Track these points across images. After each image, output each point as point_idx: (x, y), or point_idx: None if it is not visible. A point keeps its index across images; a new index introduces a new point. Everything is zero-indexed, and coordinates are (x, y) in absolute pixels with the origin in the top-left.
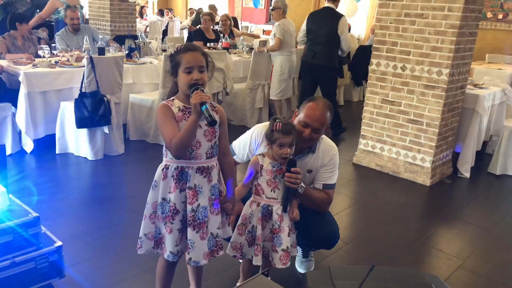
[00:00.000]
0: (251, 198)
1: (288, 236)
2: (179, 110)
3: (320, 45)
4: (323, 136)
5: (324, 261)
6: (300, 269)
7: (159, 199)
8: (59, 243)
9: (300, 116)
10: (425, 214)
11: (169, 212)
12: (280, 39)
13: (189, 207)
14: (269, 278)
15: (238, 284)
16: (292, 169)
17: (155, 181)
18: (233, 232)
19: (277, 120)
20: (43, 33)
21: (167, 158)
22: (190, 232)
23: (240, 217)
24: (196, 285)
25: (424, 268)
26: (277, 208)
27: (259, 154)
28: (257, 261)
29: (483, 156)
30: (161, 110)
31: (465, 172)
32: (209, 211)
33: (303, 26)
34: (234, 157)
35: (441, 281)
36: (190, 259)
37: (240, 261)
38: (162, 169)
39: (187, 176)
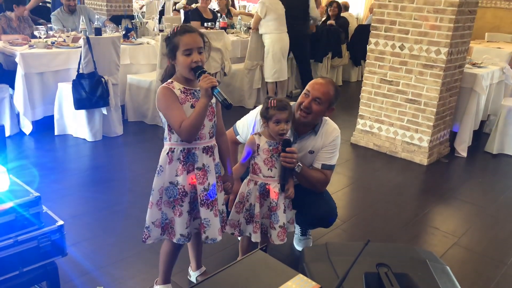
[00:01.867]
0: (249, 177)
1: (284, 212)
2: (181, 92)
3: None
4: (327, 118)
5: (321, 239)
6: (298, 247)
7: (165, 184)
8: (60, 222)
9: (304, 89)
10: (421, 193)
11: (178, 195)
12: (259, 16)
13: (200, 187)
14: (267, 253)
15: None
16: (287, 148)
17: (161, 166)
18: (228, 209)
19: (271, 98)
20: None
21: (171, 142)
22: (204, 211)
23: (238, 196)
24: (197, 263)
25: (420, 245)
26: (274, 186)
27: (256, 134)
28: (256, 238)
29: (481, 136)
30: (164, 93)
31: (462, 151)
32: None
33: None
34: (237, 137)
35: (435, 256)
36: (207, 237)
37: (239, 238)
38: (167, 153)
39: (195, 157)
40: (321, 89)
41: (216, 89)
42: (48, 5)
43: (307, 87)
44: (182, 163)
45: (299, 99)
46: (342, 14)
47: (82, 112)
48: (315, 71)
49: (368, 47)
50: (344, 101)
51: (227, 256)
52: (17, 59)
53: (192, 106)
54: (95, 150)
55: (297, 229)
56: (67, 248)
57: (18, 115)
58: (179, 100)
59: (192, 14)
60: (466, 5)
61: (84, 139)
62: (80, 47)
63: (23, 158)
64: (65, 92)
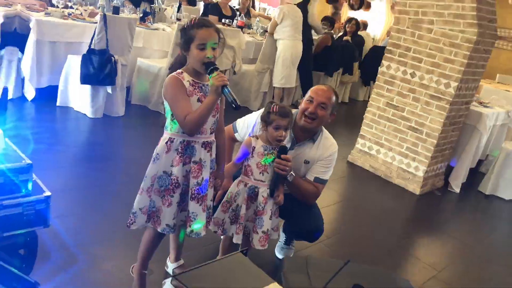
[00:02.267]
0: (239, 178)
1: (270, 219)
2: (189, 84)
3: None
4: (325, 131)
5: (303, 251)
6: (279, 255)
7: (159, 172)
8: (48, 193)
9: (305, 96)
10: (409, 222)
11: (170, 185)
12: (276, 21)
13: (193, 181)
14: (247, 257)
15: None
16: (282, 156)
17: (158, 153)
18: (213, 205)
19: (273, 104)
20: None
21: (172, 132)
22: (193, 205)
23: (226, 195)
24: (176, 255)
25: (399, 273)
26: (263, 191)
27: (253, 136)
28: (238, 239)
29: (476, 174)
30: (173, 83)
31: (456, 187)
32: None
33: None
34: (236, 134)
35: (412, 286)
36: (191, 231)
37: (222, 237)
38: (166, 142)
39: (193, 150)
40: (324, 95)
41: (226, 89)
42: None
43: (309, 93)
44: (180, 155)
45: (302, 106)
46: (359, 32)
47: (87, 87)
48: (323, 84)
49: (379, 69)
50: (347, 118)
51: (208, 253)
52: (31, 25)
53: (199, 100)
54: (94, 127)
55: (282, 237)
56: (51, 220)
57: (23, 80)
58: (187, 92)
59: (212, 8)
60: (483, 43)
61: (85, 114)
62: (96, 22)
63: (21, 123)
64: (73, 65)
